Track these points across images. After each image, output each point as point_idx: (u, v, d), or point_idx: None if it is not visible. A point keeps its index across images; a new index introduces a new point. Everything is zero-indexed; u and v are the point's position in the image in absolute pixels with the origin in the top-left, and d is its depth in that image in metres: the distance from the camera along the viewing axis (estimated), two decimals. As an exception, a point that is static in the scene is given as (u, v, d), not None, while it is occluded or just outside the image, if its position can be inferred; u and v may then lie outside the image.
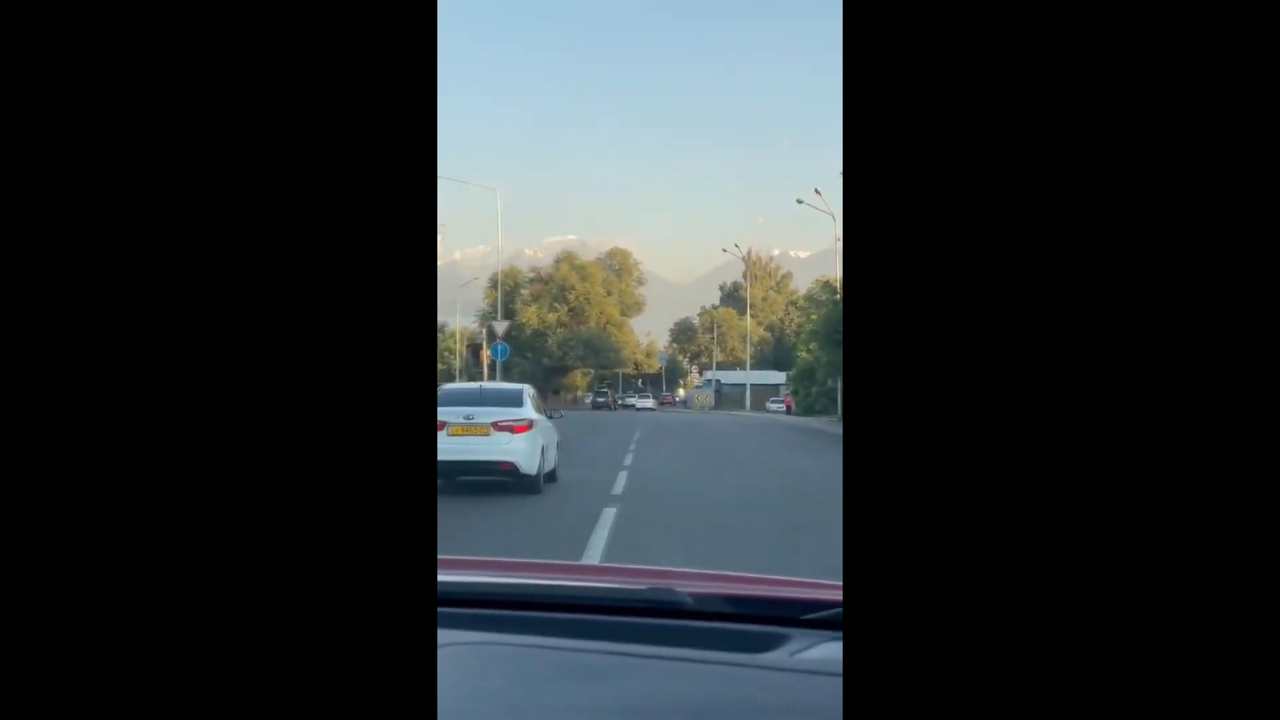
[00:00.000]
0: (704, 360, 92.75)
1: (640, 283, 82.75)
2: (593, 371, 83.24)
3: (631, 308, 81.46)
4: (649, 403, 65.96)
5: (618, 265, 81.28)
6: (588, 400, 69.10)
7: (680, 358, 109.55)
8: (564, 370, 74.55)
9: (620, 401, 69.04)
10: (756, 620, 1.20)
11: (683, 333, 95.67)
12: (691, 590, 1.25)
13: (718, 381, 68.67)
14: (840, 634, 1.10)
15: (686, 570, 1.49)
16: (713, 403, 64.67)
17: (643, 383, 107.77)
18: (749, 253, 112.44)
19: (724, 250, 74.72)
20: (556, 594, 1.31)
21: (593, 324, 74.00)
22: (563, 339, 71.54)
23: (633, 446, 19.34)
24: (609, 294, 78.16)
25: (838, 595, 1.22)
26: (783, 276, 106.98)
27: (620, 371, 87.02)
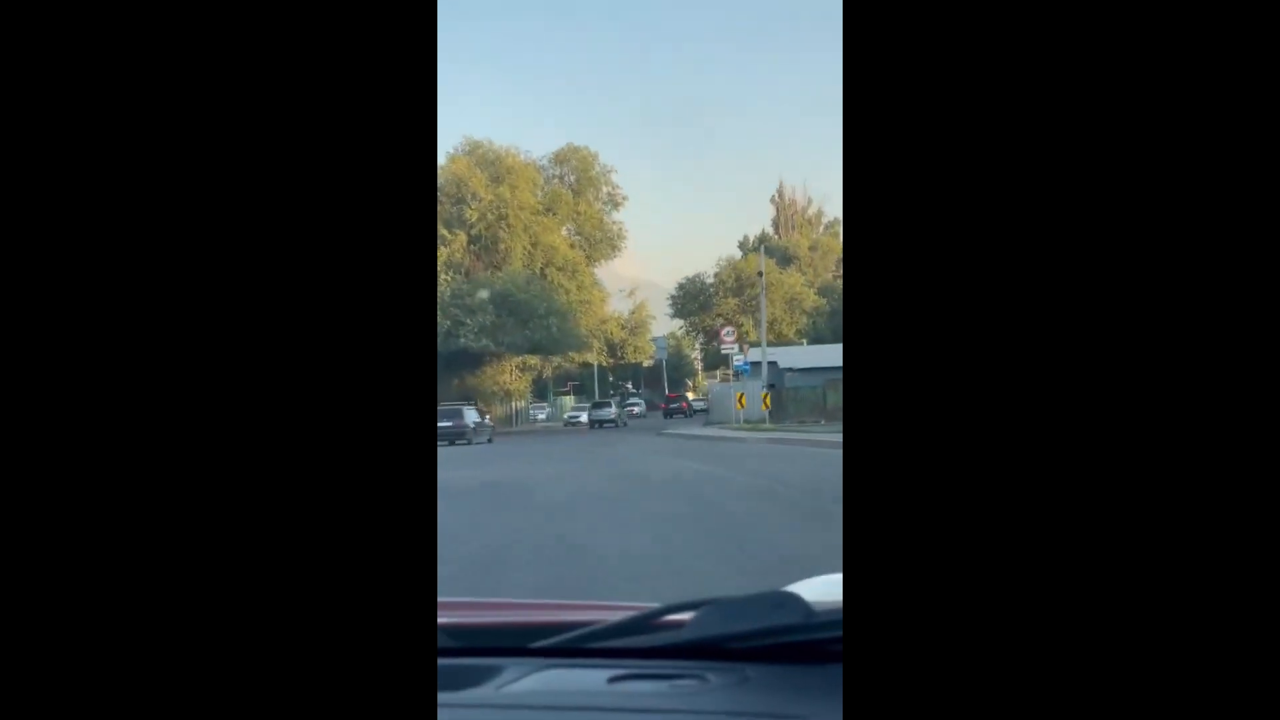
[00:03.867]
0: (717, 344, 57.06)
1: (614, 204, 46.57)
2: (541, 362, 47.02)
3: (601, 245, 45.33)
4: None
5: (574, 173, 45.17)
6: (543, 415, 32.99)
7: (687, 341, 74.45)
8: (472, 360, 38.16)
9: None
10: (475, 653, 1.13)
11: (690, 300, 59.52)
12: None
13: (771, 367, 32.02)
14: (558, 661, 1.09)
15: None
16: (767, 408, 28.80)
17: (633, 385, 72.94)
18: (779, 190, 77.62)
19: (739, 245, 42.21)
20: None
21: (518, 266, 37.65)
22: (454, 294, 35.28)
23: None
24: (551, 211, 41.97)
25: (576, 617, 1.20)
26: (833, 221, 72.28)
27: (591, 361, 50.93)
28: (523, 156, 41.07)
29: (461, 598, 1.42)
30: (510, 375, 44.97)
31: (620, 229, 46.20)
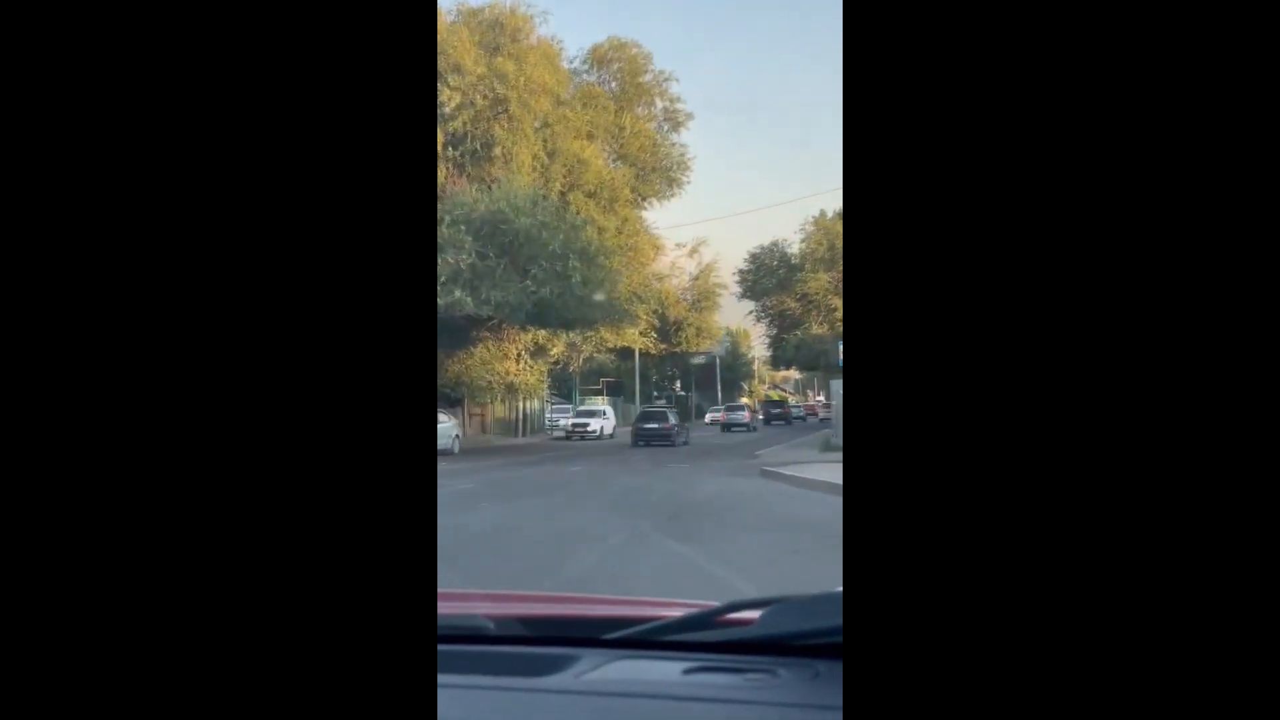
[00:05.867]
0: (800, 334, 42.77)
1: (675, 123, 32.31)
2: (565, 349, 33.19)
3: (653, 177, 31.06)
4: None
5: (617, 78, 31.07)
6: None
7: (742, 335, 60.60)
8: (450, 333, 23.80)
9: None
10: (551, 642, 1.19)
11: (766, 275, 45.08)
12: (493, 613, 1.27)
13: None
14: (631, 653, 1.14)
15: (495, 593, 1.48)
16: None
17: (682, 386, 58.83)
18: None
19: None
20: None
21: (522, 184, 23.30)
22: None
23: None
24: (583, 106, 27.61)
25: (643, 612, 1.27)
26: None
27: (632, 345, 36.86)
28: (536, 19, 26.56)
29: (533, 591, 1.49)
30: (517, 362, 30.83)
31: (683, 155, 31.90)
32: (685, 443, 27.24)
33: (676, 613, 1.22)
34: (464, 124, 23.63)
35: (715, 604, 1.18)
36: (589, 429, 31.55)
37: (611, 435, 32.55)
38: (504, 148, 23.99)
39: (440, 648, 1.09)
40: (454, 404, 29.50)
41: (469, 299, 20.20)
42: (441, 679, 1.00)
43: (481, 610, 1.29)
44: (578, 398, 40.47)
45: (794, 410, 52.14)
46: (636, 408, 48.93)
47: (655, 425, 26.87)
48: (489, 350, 29.16)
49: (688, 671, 1.06)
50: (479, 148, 24.19)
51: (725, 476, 15.59)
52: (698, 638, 1.14)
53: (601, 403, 41.64)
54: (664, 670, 1.09)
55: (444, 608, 1.29)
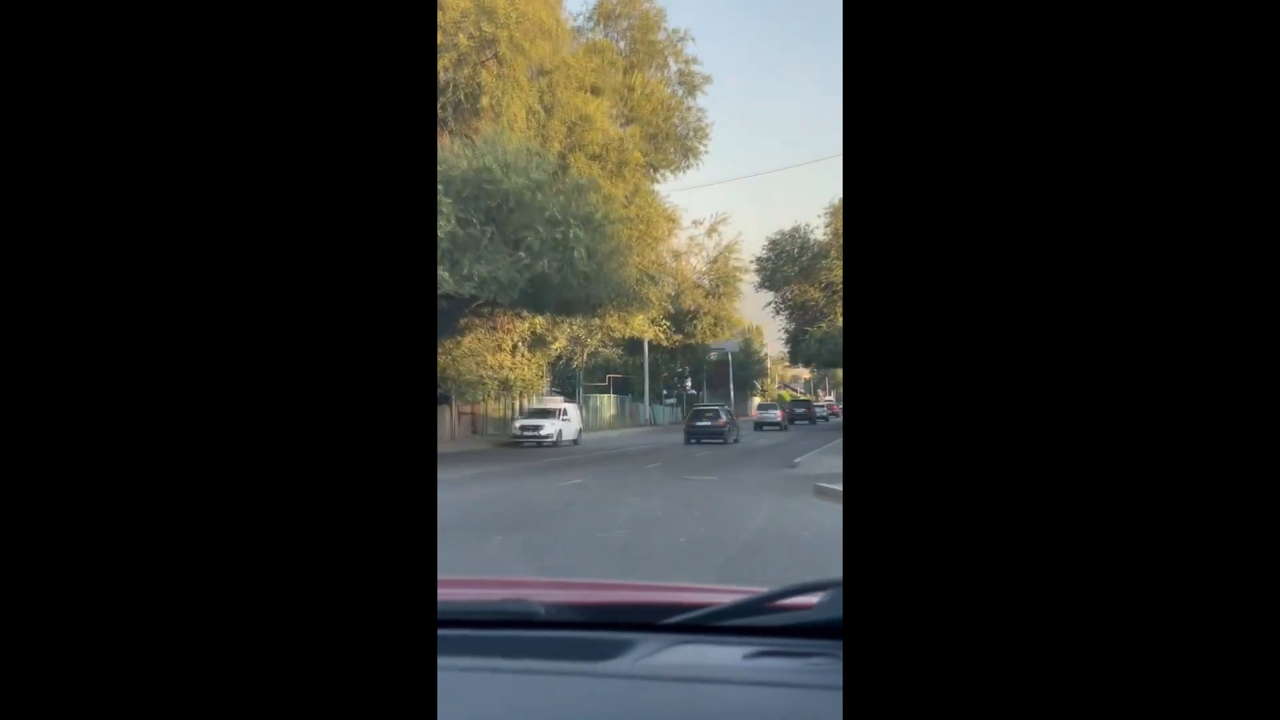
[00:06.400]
0: (825, 326, 39.13)
1: (690, 88, 28.52)
2: (569, 345, 29.71)
3: (666, 145, 27.31)
4: None
5: (626, 37, 27.37)
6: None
7: (755, 333, 57.27)
8: (440, 323, 20.20)
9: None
10: (607, 627, 1.19)
11: (787, 263, 41.24)
12: (547, 600, 1.25)
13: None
14: (689, 638, 1.12)
15: (549, 580, 1.55)
16: None
17: (693, 384, 55.23)
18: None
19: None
20: None
21: (516, 137, 19.53)
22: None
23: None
24: (588, 57, 23.96)
25: (698, 598, 1.25)
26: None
27: (640, 335, 33.38)
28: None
29: (585, 579, 1.45)
30: (512, 354, 27.18)
31: (699, 120, 28.11)
32: (736, 440, 27.93)
33: (729, 599, 1.19)
34: (446, 69, 19.92)
35: (777, 588, 1.15)
36: (541, 432, 26.15)
37: (574, 441, 27.31)
38: (492, 98, 20.23)
39: (495, 633, 1.14)
40: (440, 401, 25.90)
41: (447, 274, 16.45)
42: (498, 663, 1.03)
43: (534, 596, 1.26)
44: (581, 395, 36.82)
45: (818, 410, 51.92)
46: (646, 407, 45.37)
47: (708, 423, 27.90)
48: (480, 340, 25.55)
49: (749, 656, 1.04)
50: (463, 98, 20.48)
51: (769, 495, 11.89)
52: (756, 622, 1.12)
53: (590, 398, 37.96)
54: (724, 655, 1.07)
55: (494, 593, 1.29)
